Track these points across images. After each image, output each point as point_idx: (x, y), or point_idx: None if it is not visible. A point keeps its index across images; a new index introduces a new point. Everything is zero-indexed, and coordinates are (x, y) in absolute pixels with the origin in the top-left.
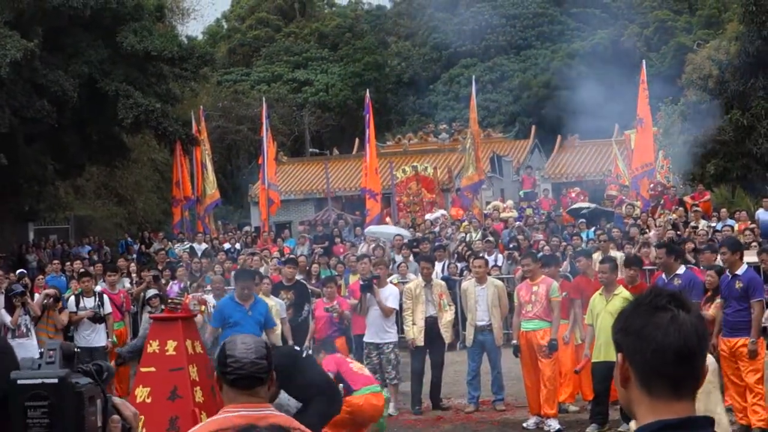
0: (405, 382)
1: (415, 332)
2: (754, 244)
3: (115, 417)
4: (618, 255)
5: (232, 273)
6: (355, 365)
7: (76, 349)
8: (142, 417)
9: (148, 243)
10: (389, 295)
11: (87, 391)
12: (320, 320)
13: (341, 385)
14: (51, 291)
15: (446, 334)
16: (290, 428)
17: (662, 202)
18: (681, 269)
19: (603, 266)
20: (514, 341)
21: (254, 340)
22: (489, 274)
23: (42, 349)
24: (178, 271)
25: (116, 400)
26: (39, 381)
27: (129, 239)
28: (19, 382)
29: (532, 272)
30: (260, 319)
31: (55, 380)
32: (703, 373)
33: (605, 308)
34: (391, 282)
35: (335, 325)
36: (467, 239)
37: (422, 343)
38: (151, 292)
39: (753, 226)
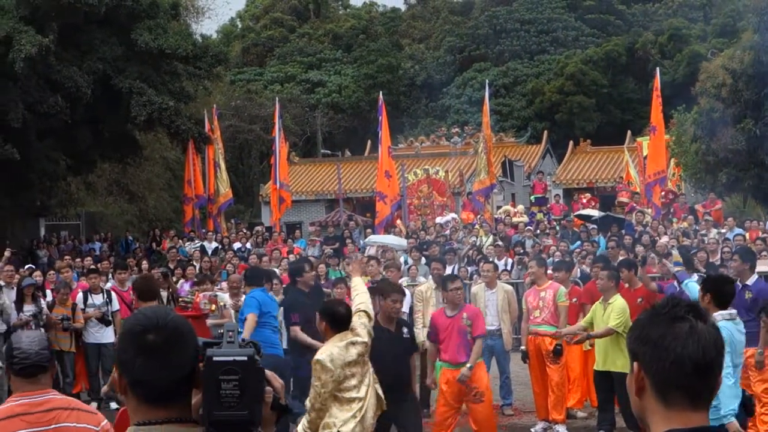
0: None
1: (425, 335)
2: (764, 252)
3: (268, 388)
4: None
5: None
6: None
7: (238, 330)
8: None
9: (158, 241)
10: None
11: (264, 367)
12: None
13: None
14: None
15: None
16: (68, 407)
17: (672, 210)
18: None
19: (602, 273)
20: (523, 347)
21: (38, 334)
22: (499, 279)
23: (221, 331)
24: (188, 270)
25: (269, 373)
26: (231, 358)
27: (130, 238)
28: (215, 358)
29: (538, 277)
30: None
31: (245, 358)
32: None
33: (602, 317)
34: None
35: None
36: (478, 243)
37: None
38: None
39: (765, 235)
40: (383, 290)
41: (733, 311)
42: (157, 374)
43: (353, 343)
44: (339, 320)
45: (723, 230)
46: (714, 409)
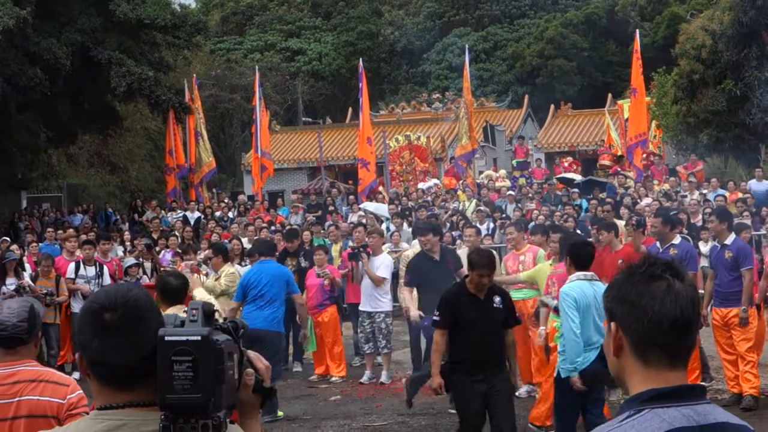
0: (397, 350)
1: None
2: (746, 213)
3: (249, 370)
4: (620, 223)
5: (226, 241)
6: None
7: (214, 308)
8: None
9: (141, 212)
10: (380, 264)
11: (225, 347)
12: (312, 288)
13: None
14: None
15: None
16: (37, 379)
17: (650, 172)
18: (677, 239)
19: (555, 236)
20: None
21: (19, 305)
22: (482, 243)
23: (186, 309)
24: (170, 240)
25: (250, 353)
26: (184, 338)
27: (110, 210)
28: (166, 338)
29: (517, 241)
30: None
31: (198, 338)
32: (697, 343)
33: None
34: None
35: (327, 293)
36: (461, 208)
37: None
38: (129, 261)
39: (746, 196)
40: (472, 262)
41: (589, 272)
42: (115, 355)
43: None
44: (169, 292)
45: (705, 191)
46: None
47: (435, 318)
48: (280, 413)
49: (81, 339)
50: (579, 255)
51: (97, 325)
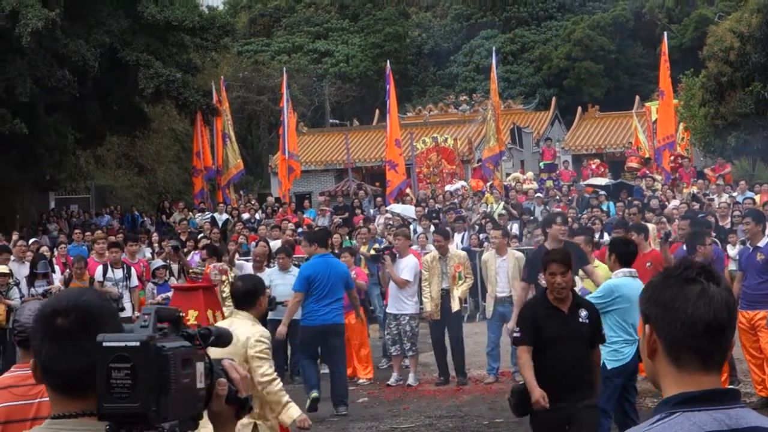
0: (424, 353)
1: (430, 305)
2: None
3: (222, 380)
4: (651, 227)
5: (253, 244)
6: None
7: (179, 314)
8: None
9: (168, 213)
10: (405, 266)
11: (179, 354)
12: None
13: None
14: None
15: (455, 305)
16: None
17: (678, 174)
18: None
19: (578, 238)
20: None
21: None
22: (509, 246)
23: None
24: (200, 241)
25: (225, 363)
26: (122, 344)
27: (136, 213)
28: (104, 344)
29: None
30: None
31: (137, 343)
32: (731, 346)
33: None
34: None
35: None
36: (488, 210)
37: (438, 317)
38: (157, 263)
39: None
40: (542, 261)
41: (633, 270)
42: (65, 362)
43: None
44: (236, 296)
45: (735, 194)
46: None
47: (516, 334)
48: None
49: (33, 345)
50: (624, 252)
51: (49, 330)
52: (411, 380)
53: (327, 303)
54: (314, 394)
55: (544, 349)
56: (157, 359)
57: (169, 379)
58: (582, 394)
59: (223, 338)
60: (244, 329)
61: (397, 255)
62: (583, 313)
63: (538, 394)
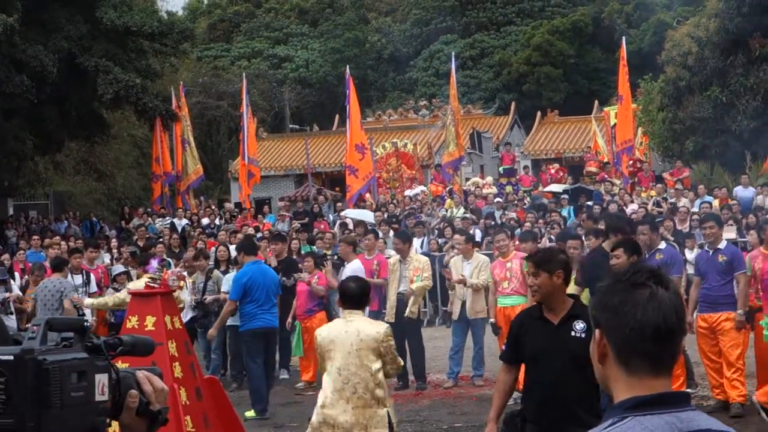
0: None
1: (387, 308)
2: (731, 222)
3: (133, 392)
4: None
5: (213, 249)
6: None
7: (85, 323)
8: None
9: (128, 219)
10: (349, 271)
11: (67, 367)
12: (301, 295)
13: None
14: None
15: (414, 309)
16: None
17: (636, 179)
18: (662, 245)
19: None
20: (492, 319)
21: None
22: (474, 249)
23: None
24: (157, 247)
25: (139, 374)
26: None
27: (95, 219)
28: None
29: (507, 248)
30: None
31: (10, 357)
32: (681, 350)
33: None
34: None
35: (316, 299)
36: (448, 215)
37: (392, 320)
38: (118, 268)
39: (732, 203)
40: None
41: None
42: None
43: None
44: (346, 296)
45: (697, 199)
46: None
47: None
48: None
49: None
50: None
51: None
52: None
53: (268, 308)
54: (248, 413)
55: (530, 365)
56: (37, 373)
57: (49, 394)
58: (568, 423)
59: (140, 348)
60: (369, 327)
61: (341, 261)
62: (579, 325)
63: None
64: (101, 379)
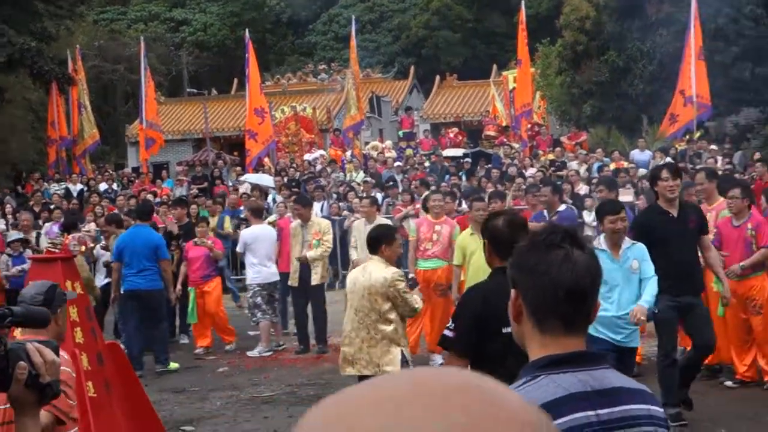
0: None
1: (291, 272)
2: (628, 185)
3: (22, 363)
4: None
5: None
6: None
7: None
8: None
9: (24, 184)
10: (249, 234)
11: None
12: (197, 260)
13: None
14: None
15: (315, 274)
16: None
17: (535, 142)
18: (561, 207)
19: (495, 204)
20: (411, 274)
21: (40, 283)
22: (378, 213)
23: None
24: (54, 212)
25: (29, 346)
26: None
27: None
28: None
29: (440, 209)
30: None
31: None
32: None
33: (480, 247)
34: (268, 222)
35: (212, 264)
36: (348, 179)
37: (296, 284)
38: (14, 235)
39: (630, 166)
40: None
41: None
42: None
43: None
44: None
45: (594, 162)
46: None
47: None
48: (173, 365)
49: None
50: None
51: None
52: (254, 351)
53: (135, 270)
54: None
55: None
56: None
57: None
58: None
59: (34, 318)
60: (379, 271)
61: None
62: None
63: None
64: None
